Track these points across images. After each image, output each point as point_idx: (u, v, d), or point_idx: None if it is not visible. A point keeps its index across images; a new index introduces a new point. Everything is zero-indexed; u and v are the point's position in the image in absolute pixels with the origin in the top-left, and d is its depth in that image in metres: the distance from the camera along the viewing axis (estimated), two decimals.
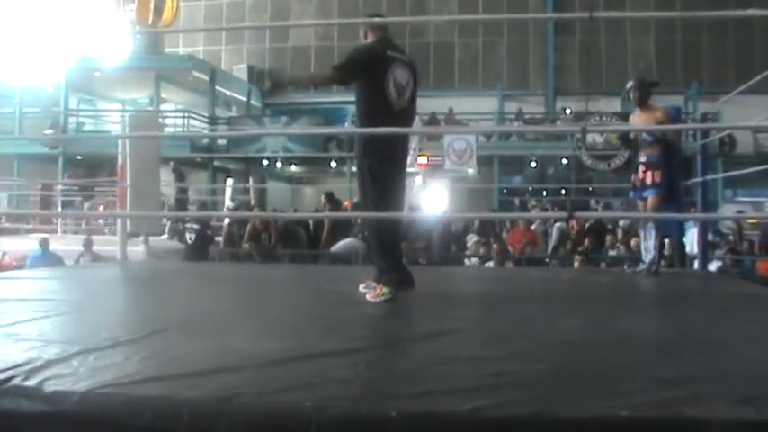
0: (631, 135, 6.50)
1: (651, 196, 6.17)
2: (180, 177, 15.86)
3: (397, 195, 4.61)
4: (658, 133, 6.19)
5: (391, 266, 4.45)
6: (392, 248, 4.55)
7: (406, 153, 4.77)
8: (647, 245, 6.29)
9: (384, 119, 4.31)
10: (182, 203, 14.86)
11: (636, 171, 6.41)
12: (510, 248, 10.79)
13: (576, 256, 9.66)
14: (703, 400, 2.04)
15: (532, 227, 11.95)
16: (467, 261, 10.46)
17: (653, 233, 6.24)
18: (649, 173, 6.23)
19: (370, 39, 4.65)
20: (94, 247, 10.07)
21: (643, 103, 6.44)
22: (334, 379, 2.28)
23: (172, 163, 15.30)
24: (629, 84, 6.59)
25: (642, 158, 6.34)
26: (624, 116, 18.54)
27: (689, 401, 2.02)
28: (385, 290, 4.32)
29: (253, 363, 2.45)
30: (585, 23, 21.49)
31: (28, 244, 10.81)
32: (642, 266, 6.33)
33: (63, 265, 8.99)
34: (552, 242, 12.11)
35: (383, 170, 4.49)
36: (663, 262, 6.54)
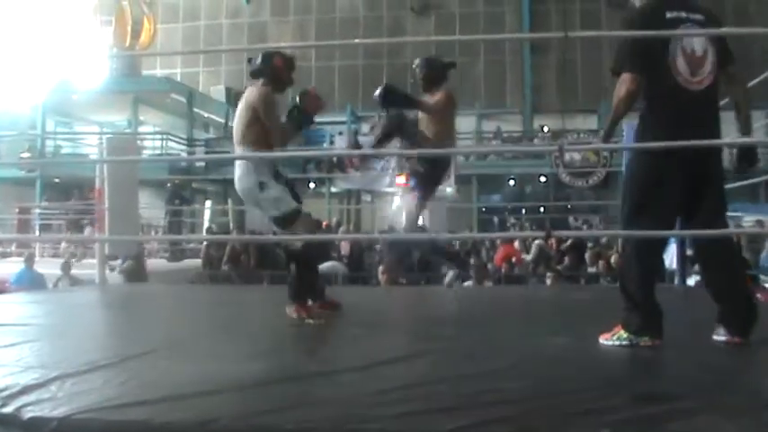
0: None
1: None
2: (182, 200, 15.43)
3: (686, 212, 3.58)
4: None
5: (645, 302, 3.38)
6: (649, 277, 3.49)
7: (705, 154, 3.48)
8: None
9: (672, 108, 3.37)
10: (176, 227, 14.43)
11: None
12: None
13: (548, 273, 9.69)
14: (685, 415, 2.05)
15: (515, 244, 11.98)
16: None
17: None
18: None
19: None
20: (73, 271, 10.01)
21: (433, 86, 5.42)
22: (316, 401, 2.27)
23: (170, 185, 15.00)
24: (416, 62, 5.47)
25: None
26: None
27: (670, 417, 2.02)
28: (623, 334, 3.35)
29: (233, 386, 2.43)
30: (562, 42, 21.66)
31: (7, 268, 10.73)
32: None
33: (44, 287, 9.02)
34: (531, 259, 12.12)
35: (657, 170, 3.43)
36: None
